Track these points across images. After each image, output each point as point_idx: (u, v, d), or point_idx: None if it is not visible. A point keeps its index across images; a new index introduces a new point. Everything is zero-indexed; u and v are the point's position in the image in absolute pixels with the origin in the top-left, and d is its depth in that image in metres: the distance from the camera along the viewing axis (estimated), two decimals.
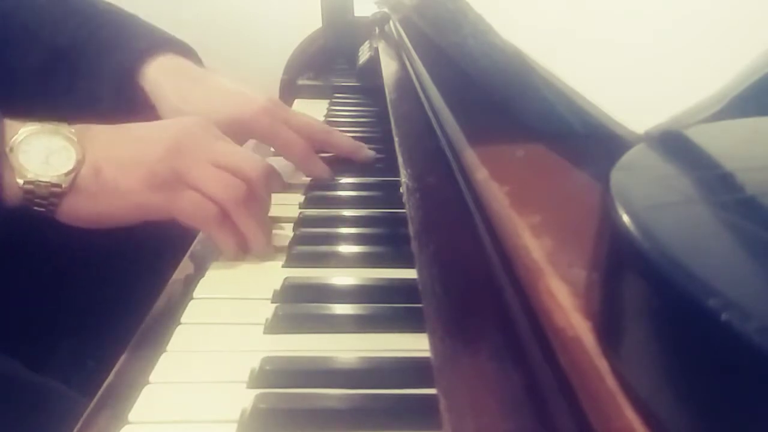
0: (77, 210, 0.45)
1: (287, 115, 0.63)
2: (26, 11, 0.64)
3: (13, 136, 0.43)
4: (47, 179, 0.43)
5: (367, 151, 0.68)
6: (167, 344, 0.39)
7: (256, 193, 0.49)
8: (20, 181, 0.43)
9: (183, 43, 0.65)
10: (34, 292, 0.62)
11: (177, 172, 0.46)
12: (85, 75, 0.63)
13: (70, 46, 0.63)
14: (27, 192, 0.43)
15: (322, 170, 0.64)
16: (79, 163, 0.44)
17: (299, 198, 0.60)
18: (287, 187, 0.61)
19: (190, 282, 0.47)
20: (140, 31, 0.64)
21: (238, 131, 0.60)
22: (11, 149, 0.43)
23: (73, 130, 0.45)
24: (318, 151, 0.66)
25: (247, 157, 0.50)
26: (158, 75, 0.61)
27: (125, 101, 0.62)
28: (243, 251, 0.49)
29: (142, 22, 0.67)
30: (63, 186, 0.43)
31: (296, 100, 1.02)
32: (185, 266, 0.51)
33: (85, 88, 0.63)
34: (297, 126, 0.63)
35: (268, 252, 0.50)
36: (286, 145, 0.62)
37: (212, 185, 0.46)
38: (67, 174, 0.44)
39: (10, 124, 0.44)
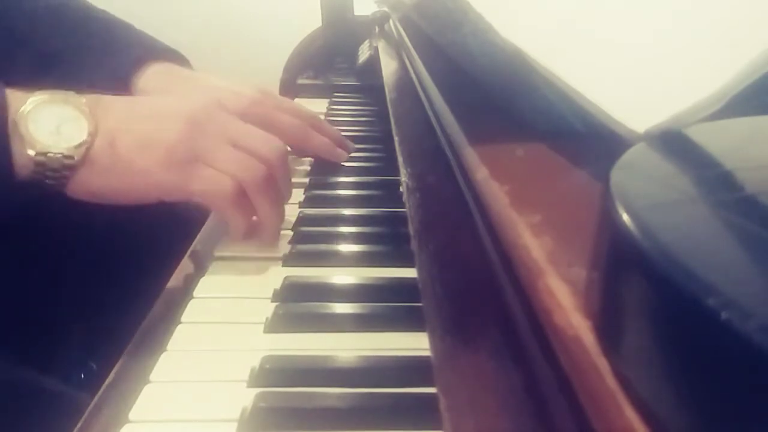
0: (89, 184, 0.44)
1: (277, 102, 0.64)
2: (17, 17, 0.64)
3: (21, 106, 0.42)
4: (59, 150, 0.42)
5: (351, 145, 0.70)
6: (167, 343, 0.39)
7: (274, 174, 0.49)
8: (31, 152, 0.41)
9: (176, 52, 0.65)
10: (34, 293, 0.62)
11: (196, 151, 0.45)
12: (77, 82, 0.62)
13: (61, 52, 0.63)
14: (38, 164, 0.42)
15: (324, 143, 0.65)
16: (92, 135, 0.43)
17: (299, 197, 0.60)
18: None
19: (190, 282, 0.46)
20: (133, 40, 0.64)
21: None
22: (20, 118, 0.42)
23: (84, 100, 0.44)
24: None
25: (265, 137, 0.50)
26: (149, 84, 0.60)
27: None
28: (251, 235, 0.49)
29: (135, 30, 0.67)
30: (75, 158, 0.42)
31: (296, 99, 1.02)
32: (185, 266, 0.51)
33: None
34: (289, 110, 0.64)
35: (276, 239, 0.50)
36: (283, 130, 0.63)
37: (232, 166, 0.46)
38: (79, 145, 0.42)
39: (15, 93, 0.43)
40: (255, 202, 0.48)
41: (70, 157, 0.42)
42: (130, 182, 0.44)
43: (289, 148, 0.70)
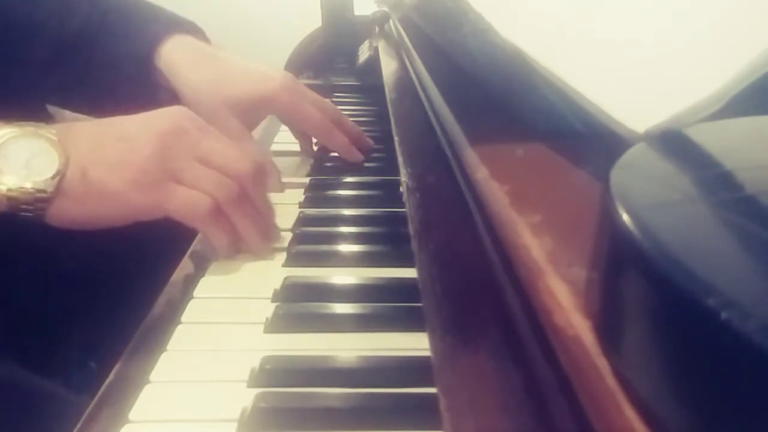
0: (66, 214, 0.43)
1: (305, 91, 0.64)
2: (32, 3, 0.63)
3: None
4: (30, 185, 0.42)
5: (370, 142, 0.70)
6: (167, 343, 0.39)
7: (248, 189, 0.48)
8: (2, 188, 0.41)
9: (191, 23, 0.65)
10: (34, 293, 0.62)
11: (166, 170, 0.45)
12: (100, 63, 0.62)
13: (80, 35, 0.63)
14: (10, 199, 0.42)
15: (343, 142, 0.66)
16: (64, 166, 0.42)
17: (299, 197, 0.60)
18: (283, 187, 0.61)
19: (190, 282, 0.46)
20: (150, 14, 0.64)
21: (261, 108, 0.61)
22: None
23: (53, 131, 0.44)
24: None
25: (237, 154, 0.48)
26: (174, 56, 0.60)
27: (143, 86, 0.62)
28: (237, 250, 0.49)
29: (148, 4, 0.66)
30: (48, 191, 0.42)
31: None
32: (185, 266, 0.51)
33: (101, 76, 0.63)
34: (314, 101, 0.64)
35: (265, 251, 0.49)
36: (306, 119, 0.64)
37: (205, 184, 0.46)
38: (52, 178, 0.42)
39: None
40: (233, 219, 0.47)
41: (43, 191, 0.42)
42: (105, 206, 0.44)
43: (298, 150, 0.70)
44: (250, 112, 0.60)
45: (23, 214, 0.42)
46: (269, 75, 0.62)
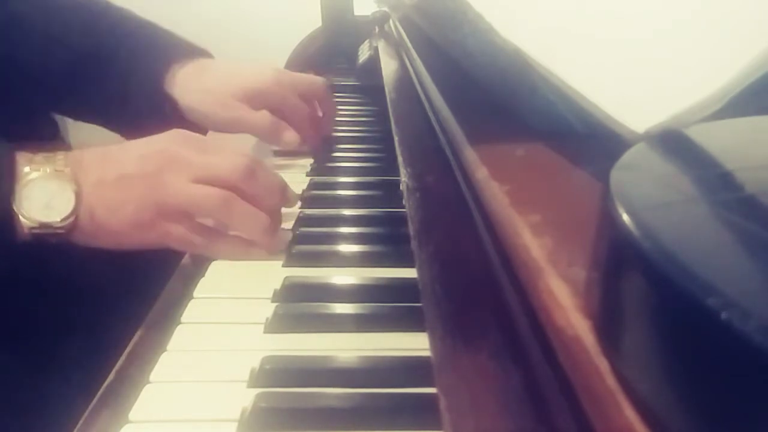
0: (84, 242, 0.48)
1: (294, 81, 0.69)
2: (51, 17, 0.67)
3: (16, 183, 0.45)
4: (51, 223, 0.46)
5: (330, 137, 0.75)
6: (167, 344, 0.39)
7: (241, 187, 0.48)
8: (26, 226, 0.45)
9: (201, 49, 0.70)
10: (35, 293, 0.62)
11: (159, 204, 0.47)
12: (116, 80, 0.66)
13: (98, 51, 0.67)
14: (35, 235, 0.46)
15: (313, 141, 0.70)
16: (77, 206, 0.46)
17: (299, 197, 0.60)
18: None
19: (190, 282, 0.47)
20: (167, 40, 0.69)
21: (253, 100, 0.65)
22: (16, 196, 0.45)
23: (67, 167, 0.47)
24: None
25: (226, 159, 0.49)
26: (182, 78, 0.66)
27: (152, 100, 0.66)
28: (247, 250, 0.49)
29: (163, 30, 0.71)
30: (66, 228, 0.46)
31: None
32: (185, 266, 0.51)
33: (115, 90, 0.67)
34: (303, 91, 0.69)
35: (275, 247, 0.50)
36: (293, 112, 0.68)
37: (192, 204, 0.47)
38: (66, 218, 0.46)
39: (13, 170, 0.46)
40: (231, 224, 0.49)
41: (62, 228, 0.46)
42: (113, 241, 0.48)
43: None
44: (246, 104, 0.65)
45: (49, 239, 0.47)
46: (259, 70, 0.67)
